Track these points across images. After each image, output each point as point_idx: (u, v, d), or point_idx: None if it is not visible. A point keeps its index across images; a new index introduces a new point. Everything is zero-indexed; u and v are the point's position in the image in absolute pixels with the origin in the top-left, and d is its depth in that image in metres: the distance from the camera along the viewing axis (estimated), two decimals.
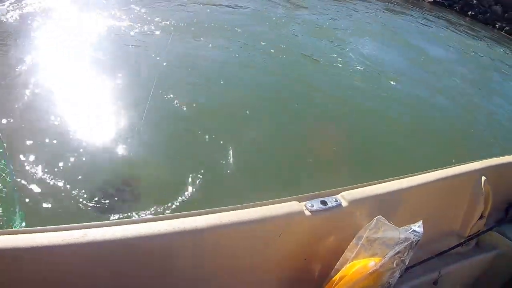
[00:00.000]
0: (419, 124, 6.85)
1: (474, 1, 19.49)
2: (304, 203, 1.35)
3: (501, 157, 1.92)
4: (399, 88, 8.06)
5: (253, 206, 1.34)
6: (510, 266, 1.84)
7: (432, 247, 1.64)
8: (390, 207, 1.47)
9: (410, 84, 8.41)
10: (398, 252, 1.34)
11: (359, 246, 1.31)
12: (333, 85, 7.33)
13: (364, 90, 7.46)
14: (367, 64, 8.72)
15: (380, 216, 1.29)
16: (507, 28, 17.53)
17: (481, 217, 1.78)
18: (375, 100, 7.16)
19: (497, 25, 17.81)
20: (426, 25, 14.55)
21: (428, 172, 1.63)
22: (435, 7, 18.76)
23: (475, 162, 1.78)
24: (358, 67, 8.36)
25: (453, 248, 1.64)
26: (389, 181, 1.51)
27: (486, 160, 1.82)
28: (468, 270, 1.82)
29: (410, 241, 1.31)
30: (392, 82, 8.18)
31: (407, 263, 1.34)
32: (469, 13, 18.74)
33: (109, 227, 1.11)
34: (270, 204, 1.33)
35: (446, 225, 1.82)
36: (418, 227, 1.35)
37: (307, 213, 1.33)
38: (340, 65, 8.23)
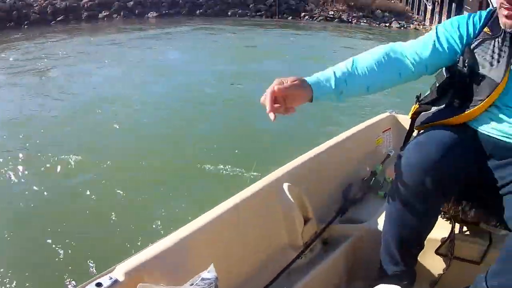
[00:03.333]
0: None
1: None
2: None
3: (300, 157, 1.81)
4: None
5: None
6: (368, 247, 1.66)
7: (268, 273, 1.42)
8: (179, 260, 1.24)
9: None
10: None
11: None
12: None
13: None
14: None
15: (141, 284, 1.08)
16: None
17: (308, 220, 1.65)
18: None
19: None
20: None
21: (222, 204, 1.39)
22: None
23: (271, 173, 1.63)
24: None
25: (291, 264, 1.47)
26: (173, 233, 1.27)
27: (283, 166, 1.69)
28: (323, 275, 1.60)
29: None
30: None
31: None
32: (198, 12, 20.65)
33: None
34: None
35: (272, 247, 1.58)
36: (208, 272, 1.16)
37: None
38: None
